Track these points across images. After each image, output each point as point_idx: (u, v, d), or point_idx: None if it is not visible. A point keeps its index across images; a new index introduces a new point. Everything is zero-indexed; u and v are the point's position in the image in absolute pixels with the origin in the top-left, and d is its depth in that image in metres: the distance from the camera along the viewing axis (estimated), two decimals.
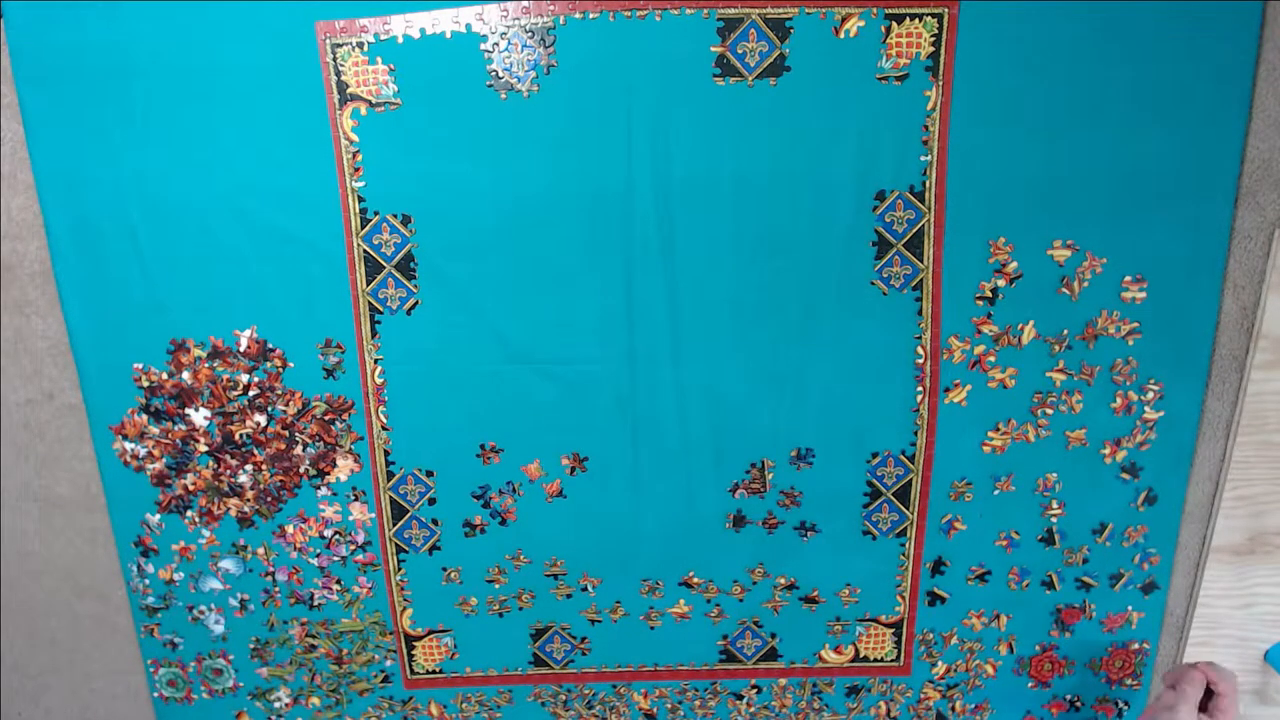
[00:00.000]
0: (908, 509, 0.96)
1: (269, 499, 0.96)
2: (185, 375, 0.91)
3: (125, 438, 0.94)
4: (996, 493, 0.95)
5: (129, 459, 0.94)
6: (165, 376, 0.91)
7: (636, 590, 1.00)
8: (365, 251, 0.87)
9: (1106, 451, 0.93)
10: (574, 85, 0.82)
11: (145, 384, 0.92)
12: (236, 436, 0.93)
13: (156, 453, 0.94)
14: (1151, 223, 0.85)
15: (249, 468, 0.95)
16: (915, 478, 0.94)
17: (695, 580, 1.00)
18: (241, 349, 0.90)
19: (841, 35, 0.80)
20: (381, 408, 0.93)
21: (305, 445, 0.94)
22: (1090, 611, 0.99)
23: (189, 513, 0.97)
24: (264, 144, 0.84)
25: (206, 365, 0.91)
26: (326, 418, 0.92)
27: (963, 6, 0.79)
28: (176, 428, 0.93)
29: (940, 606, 1.00)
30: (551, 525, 0.97)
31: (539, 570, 0.99)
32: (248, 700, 1.06)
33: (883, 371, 0.91)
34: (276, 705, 1.06)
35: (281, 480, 0.95)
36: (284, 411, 0.92)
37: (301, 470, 0.95)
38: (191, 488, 0.95)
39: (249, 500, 0.96)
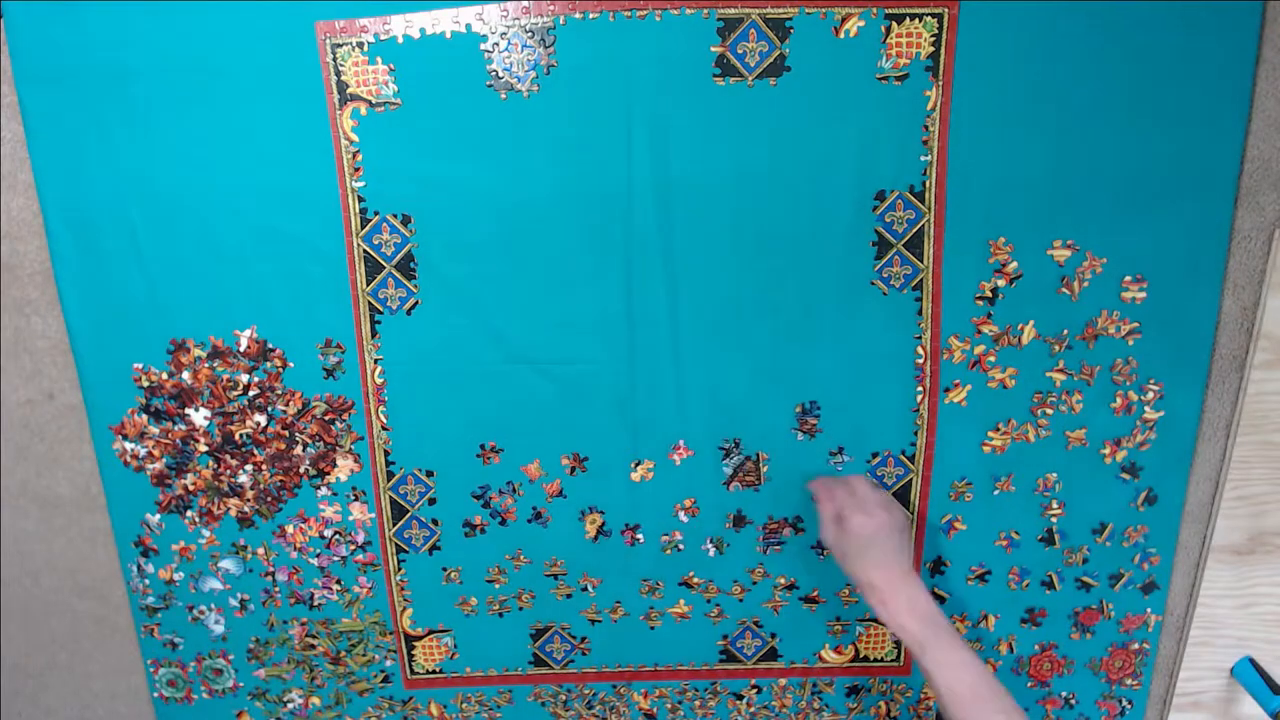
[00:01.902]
0: (908, 509, 0.96)
1: (269, 499, 0.96)
2: (185, 375, 0.91)
3: (125, 438, 0.94)
4: (996, 493, 0.95)
5: (129, 459, 0.94)
6: (165, 376, 0.91)
7: (636, 590, 1.00)
8: (365, 251, 0.87)
9: (1106, 451, 0.93)
10: (574, 85, 0.82)
11: (145, 384, 0.92)
12: (236, 436, 0.93)
13: (156, 453, 0.94)
14: (1151, 223, 0.85)
15: (249, 468, 0.95)
16: (915, 478, 0.94)
17: (695, 580, 1.00)
18: (241, 349, 0.90)
19: (841, 35, 0.80)
20: (381, 408, 0.93)
21: (305, 445, 0.94)
22: (1109, 612, 0.99)
23: (189, 513, 0.97)
24: (264, 144, 0.84)
25: (206, 365, 0.91)
26: (326, 417, 0.93)
27: (963, 6, 0.79)
28: (176, 428, 0.93)
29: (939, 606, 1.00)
30: (552, 524, 0.97)
31: (539, 570, 0.99)
32: (248, 700, 1.06)
33: (883, 372, 0.91)
34: (290, 707, 1.06)
35: (281, 480, 0.95)
36: (284, 411, 0.92)
37: (301, 470, 0.95)
38: (191, 488, 0.95)
39: (249, 500, 0.96)
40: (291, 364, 0.91)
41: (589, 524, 0.97)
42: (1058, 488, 0.94)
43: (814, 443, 0.93)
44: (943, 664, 0.76)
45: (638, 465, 0.94)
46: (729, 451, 0.93)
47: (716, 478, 0.95)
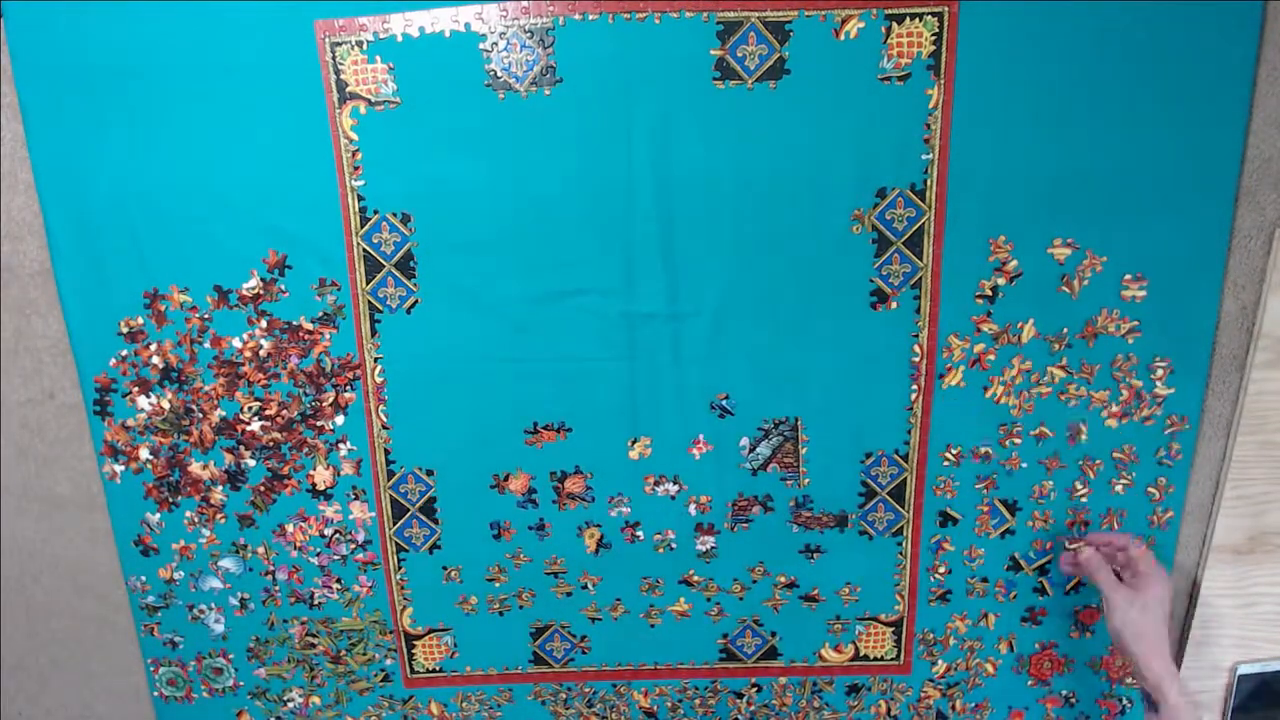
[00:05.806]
0: (904, 508, 0.96)
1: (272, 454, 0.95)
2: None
3: (117, 452, 0.94)
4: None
5: (117, 475, 0.95)
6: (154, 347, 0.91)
7: (637, 588, 1.00)
8: (365, 250, 0.88)
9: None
10: (573, 87, 0.82)
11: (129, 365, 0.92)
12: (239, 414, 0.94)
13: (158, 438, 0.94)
14: (1151, 222, 0.85)
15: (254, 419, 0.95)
16: (910, 476, 0.94)
17: (695, 578, 1.00)
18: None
19: (841, 37, 0.80)
20: (381, 407, 0.93)
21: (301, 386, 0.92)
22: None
23: (188, 513, 0.97)
24: (264, 143, 0.84)
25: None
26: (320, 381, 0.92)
27: (963, 6, 0.79)
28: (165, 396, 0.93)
29: (940, 603, 1.00)
30: (552, 531, 0.97)
31: (539, 569, 0.99)
32: (248, 699, 1.06)
33: (881, 370, 0.91)
34: (290, 706, 1.06)
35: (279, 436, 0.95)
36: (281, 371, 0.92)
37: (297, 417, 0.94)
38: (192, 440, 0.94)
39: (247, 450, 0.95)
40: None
41: (588, 538, 0.97)
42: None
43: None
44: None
45: (634, 442, 0.94)
46: (767, 433, 0.93)
47: (722, 474, 0.95)
